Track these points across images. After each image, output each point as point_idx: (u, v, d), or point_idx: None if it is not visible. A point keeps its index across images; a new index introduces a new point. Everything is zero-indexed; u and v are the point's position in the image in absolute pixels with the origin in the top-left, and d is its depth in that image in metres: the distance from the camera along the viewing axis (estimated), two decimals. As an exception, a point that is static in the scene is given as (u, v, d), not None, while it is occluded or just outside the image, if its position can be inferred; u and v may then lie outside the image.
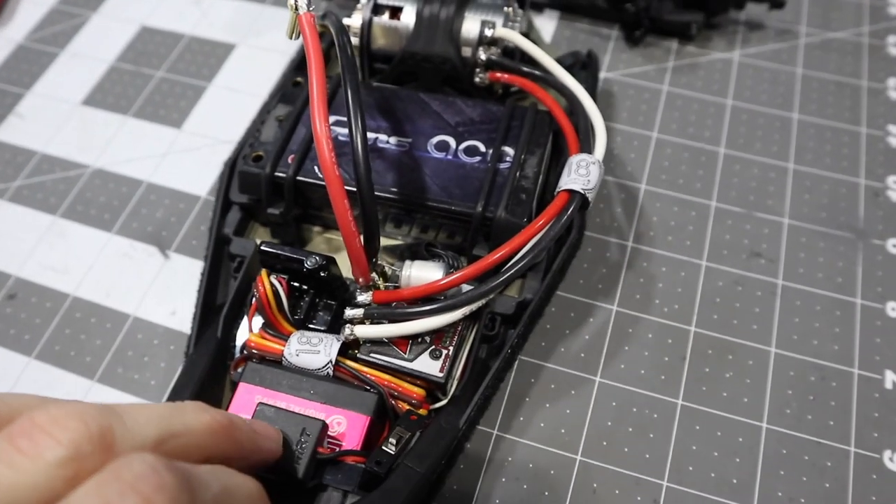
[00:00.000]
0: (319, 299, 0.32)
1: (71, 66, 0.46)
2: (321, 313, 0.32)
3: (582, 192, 0.30)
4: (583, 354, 0.34)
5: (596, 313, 0.35)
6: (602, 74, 0.44)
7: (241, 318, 0.33)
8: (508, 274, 0.29)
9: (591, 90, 0.40)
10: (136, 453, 0.16)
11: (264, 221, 0.37)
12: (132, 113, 0.44)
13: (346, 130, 0.35)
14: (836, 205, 0.38)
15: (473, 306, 0.30)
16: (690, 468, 0.31)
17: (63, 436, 0.16)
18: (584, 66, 0.41)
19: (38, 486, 0.16)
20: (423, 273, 0.31)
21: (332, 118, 0.36)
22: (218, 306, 0.35)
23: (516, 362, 0.34)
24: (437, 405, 0.31)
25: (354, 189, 0.29)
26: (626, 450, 0.32)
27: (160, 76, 0.45)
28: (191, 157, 0.42)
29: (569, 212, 0.30)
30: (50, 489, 0.16)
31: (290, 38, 0.32)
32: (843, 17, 0.46)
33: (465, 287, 0.31)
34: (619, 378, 0.33)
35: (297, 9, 0.30)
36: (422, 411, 0.30)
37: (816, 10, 0.46)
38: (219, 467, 0.20)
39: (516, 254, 0.30)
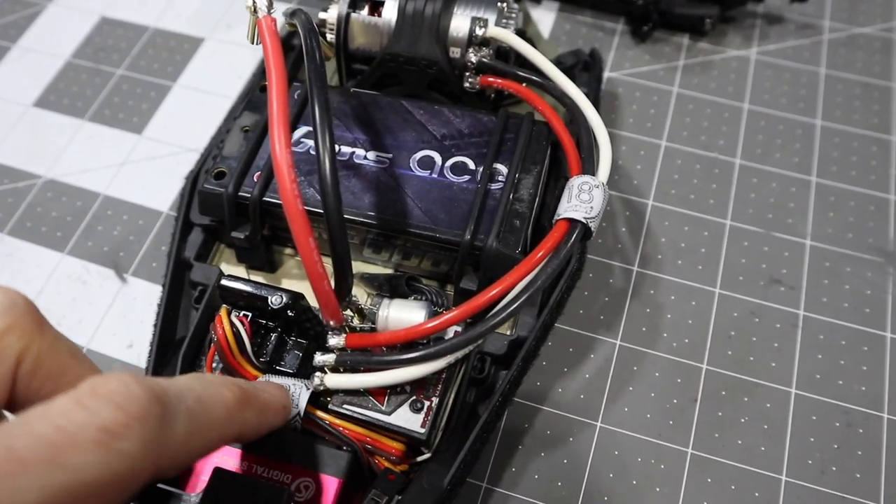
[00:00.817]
0: (288, 336, 0.29)
1: (22, 62, 0.42)
2: (291, 352, 0.29)
3: (584, 221, 0.27)
4: (582, 396, 0.31)
5: (597, 348, 0.32)
6: (605, 73, 0.40)
7: (204, 355, 0.30)
8: (499, 318, 0.26)
9: (594, 96, 0.36)
10: (112, 374, 0.17)
11: (230, 243, 0.33)
12: (89, 116, 0.40)
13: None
14: (863, 224, 0.35)
15: (459, 354, 0.26)
16: (701, 528, 0.28)
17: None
18: (586, 68, 0.37)
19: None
20: (402, 314, 0.27)
21: (303, 129, 0.32)
22: (178, 340, 0.31)
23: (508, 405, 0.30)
24: (420, 458, 0.27)
25: (322, 211, 0.25)
26: (629, 506, 0.28)
27: (120, 74, 0.41)
28: (152, 166, 0.38)
29: (569, 244, 0.27)
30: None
31: (252, 42, 0.28)
32: (871, 10, 0.42)
33: (451, 328, 0.27)
34: (622, 423, 0.30)
35: (255, 11, 0.26)
36: (401, 468, 0.27)
37: (842, 3, 0.42)
38: (194, 376, 0.21)
39: (510, 292, 0.27)
